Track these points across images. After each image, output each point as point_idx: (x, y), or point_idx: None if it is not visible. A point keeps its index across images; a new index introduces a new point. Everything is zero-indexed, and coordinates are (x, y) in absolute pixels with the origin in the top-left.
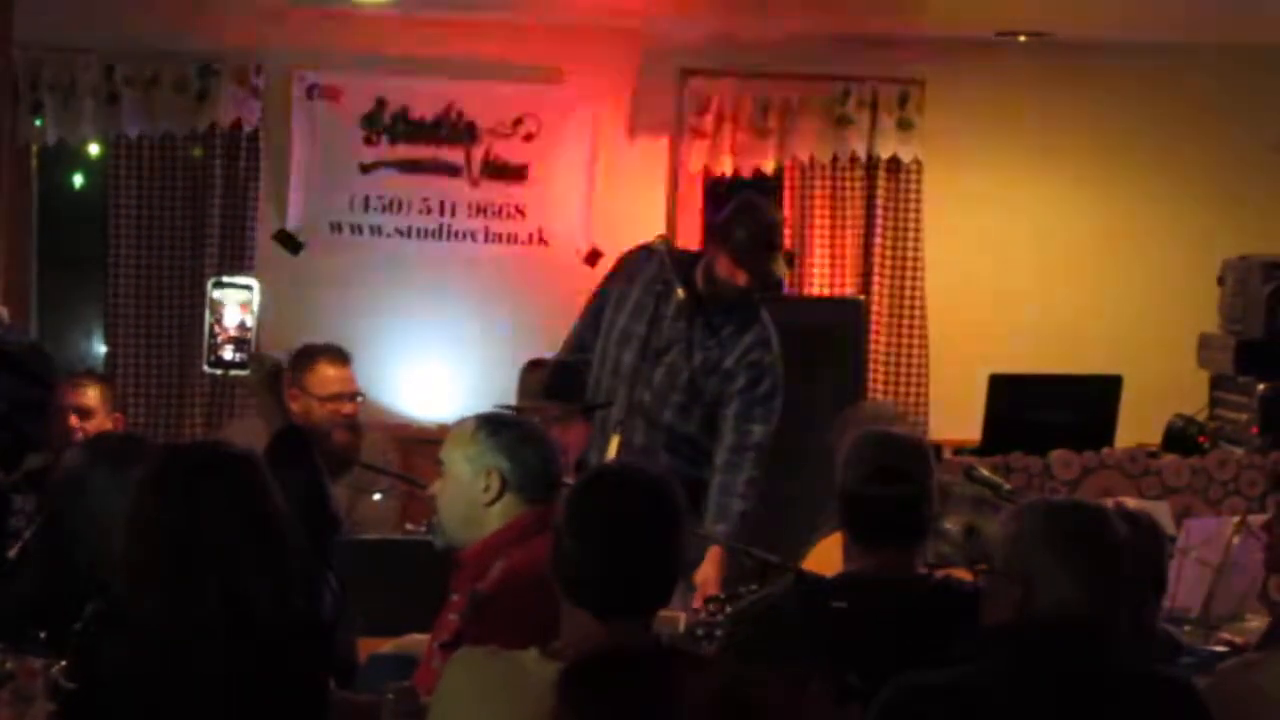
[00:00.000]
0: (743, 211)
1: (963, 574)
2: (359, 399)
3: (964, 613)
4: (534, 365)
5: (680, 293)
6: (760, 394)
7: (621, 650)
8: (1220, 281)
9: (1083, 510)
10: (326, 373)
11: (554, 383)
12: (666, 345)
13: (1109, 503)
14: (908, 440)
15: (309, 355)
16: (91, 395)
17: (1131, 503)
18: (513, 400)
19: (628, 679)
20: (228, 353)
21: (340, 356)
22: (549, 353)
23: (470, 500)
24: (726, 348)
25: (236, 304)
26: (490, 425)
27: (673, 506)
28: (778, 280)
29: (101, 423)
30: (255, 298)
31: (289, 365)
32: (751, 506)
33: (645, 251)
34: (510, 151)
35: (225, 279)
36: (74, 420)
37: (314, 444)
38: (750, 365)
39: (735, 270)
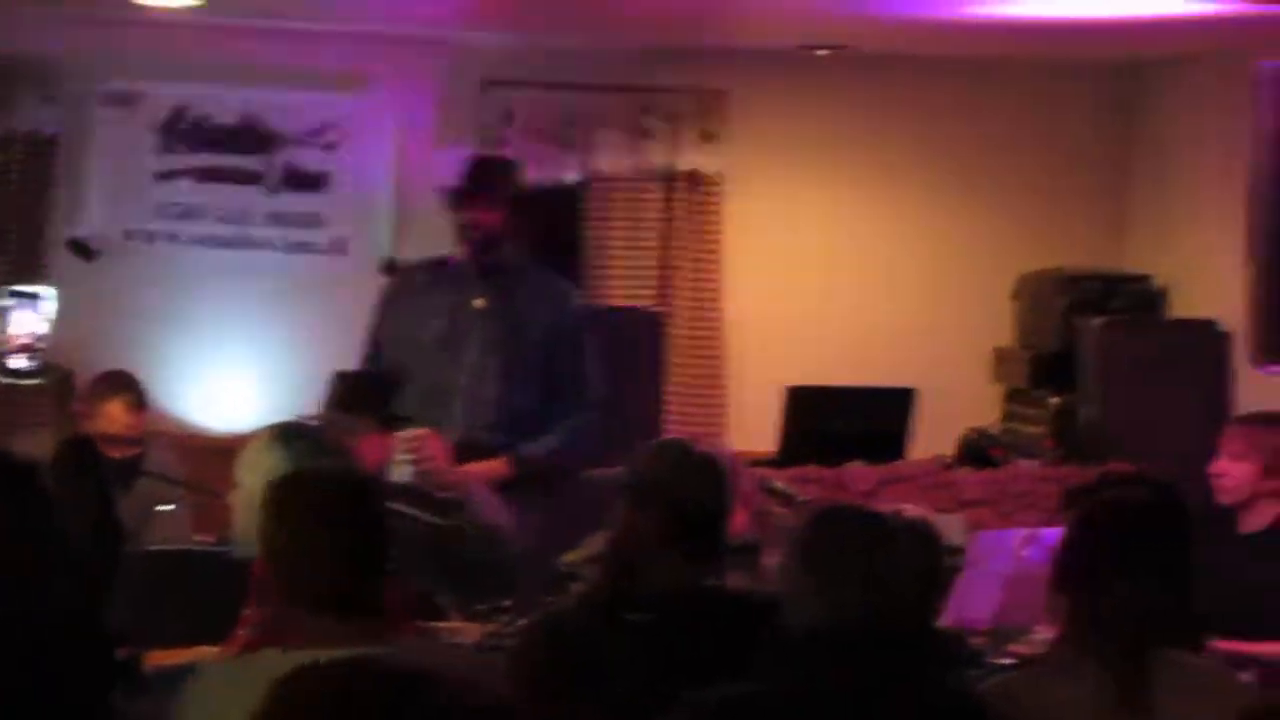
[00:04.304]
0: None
1: None
2: (134, 448)
3: (760, 624)
4: (342, 376)
5: (460, 252)
6: (590, 345)
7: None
8: (1015, 296)
9: (862, 518)
10: (116, 415)
11: (344, 394)
12: (468, 324)
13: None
14: (706, 458)
15: (109, 388)
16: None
17: (909, 509)
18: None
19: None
20: (18, 361)
21: (138, 402)
22: (348, 363)
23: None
24: (532, 300)
25: (29, 313)
26: (282, 437)
27: (366, 498)
28: (504, 181)
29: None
30: (48, 306)
31: (90, 384)
32: (578, 446)
33: (397, 274)
34: (310, 160)
35: (18, 288)
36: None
37: (99, 453)
38: (572, 317)
39: (460, 200)
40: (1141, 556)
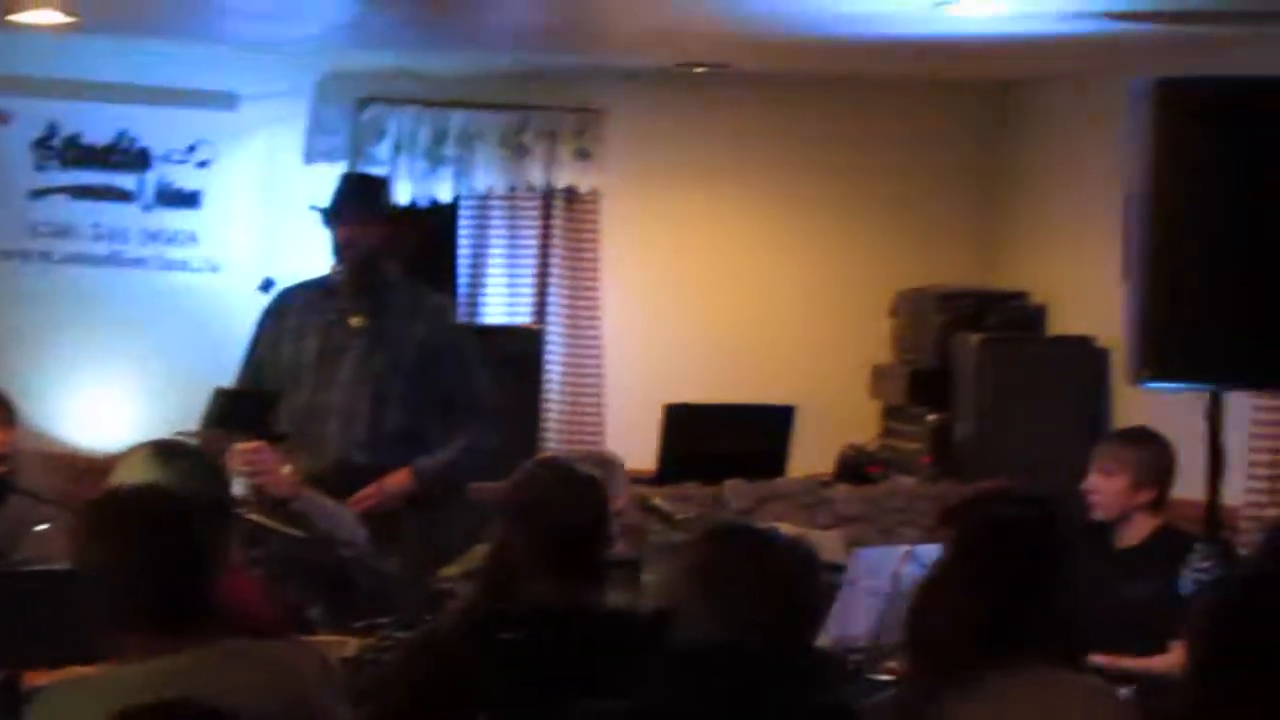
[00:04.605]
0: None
1: None
2: (3, 466)
3: (637, 641)
4: (221, 394)
5: (336, 271)
6: (473, 358)
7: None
8: (892, 313)
9: (753, 535)
10: None
11: (223, 412)
12: (345, 342)
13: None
14: (584, 477)
15: None
16: None
17: (787, 528)
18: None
19: None
20: None
21: (8, 419)
22: (225, 380)
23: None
24: (409, 317)
25: None
26: (161, 454)
27: (178, 512)
28: (378, 199)
29: None
30: None
31: None
32: (472, 460)
33: (275, 292)
34: (184, 178)
35: None
36: None
37: None
38: (451, 331)
39: (335, 219)
40: (1016, 573)
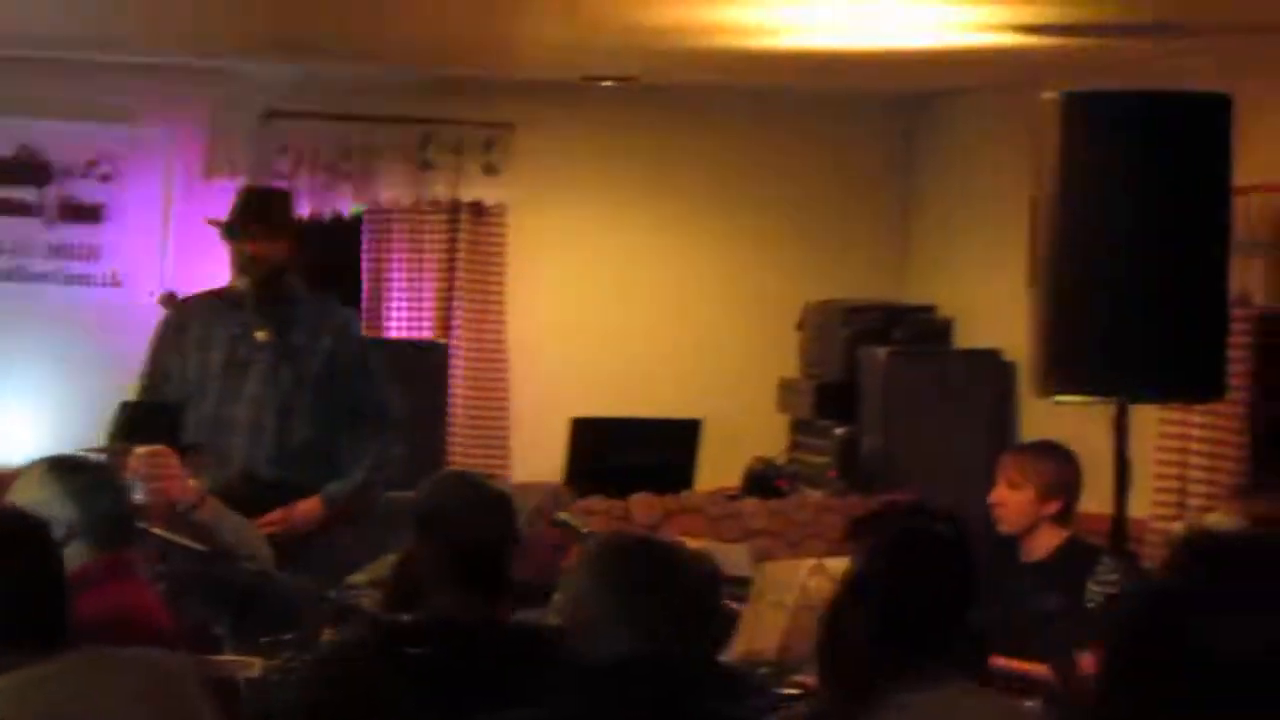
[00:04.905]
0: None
1: None
2: None
3: (540, 656)
4: (126, 407)
5: (240, 284)
6: (379, 370)
7: None
8: (800, 326)
9: (654, 548)
10: None
11: (129, 425)
12: (249, 356)
13: None
14: (489, 491)
15: None
16: None
17: (692, 542)
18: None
19: None
20: None
21: None
22: (128, 394)
23: None
24: (314, 331)
25: None
26: (59, 470)
27: (28, 531)
28: (283, 213)
29: None
30: None
31: None
32: (382, 475)
33: (177, 305)
34: (86, 192)
35: None
36: None
37: None
38: (356, 343)
39: (239, 233)
40: (925, 586)
